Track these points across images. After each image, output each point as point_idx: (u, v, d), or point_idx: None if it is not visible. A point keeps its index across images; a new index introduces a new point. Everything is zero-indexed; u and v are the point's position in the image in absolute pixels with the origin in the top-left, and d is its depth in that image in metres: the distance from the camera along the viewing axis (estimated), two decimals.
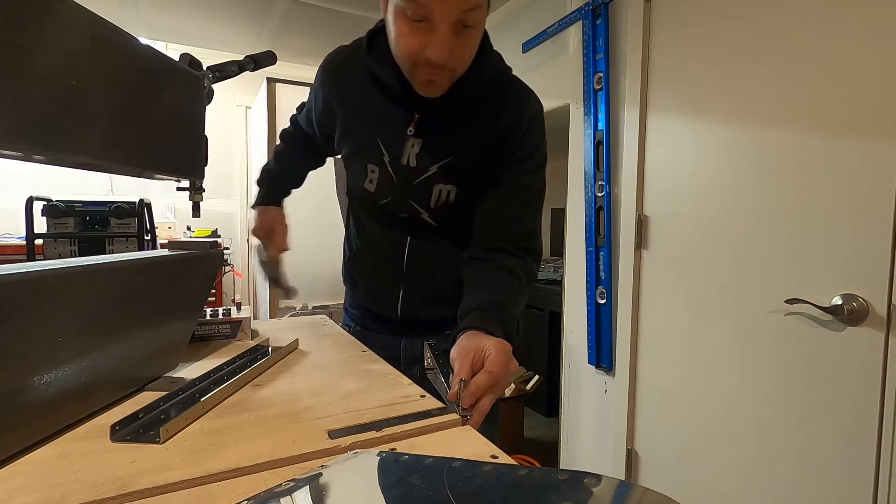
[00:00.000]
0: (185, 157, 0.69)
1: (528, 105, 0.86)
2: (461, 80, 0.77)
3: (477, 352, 0.62)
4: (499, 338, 0.66)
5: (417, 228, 0.89)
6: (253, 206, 1.04)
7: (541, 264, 0.91)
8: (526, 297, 0.82)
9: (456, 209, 0.86)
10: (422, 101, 0.79)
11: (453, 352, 0.65)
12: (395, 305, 0.92)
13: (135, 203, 2.52)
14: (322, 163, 1.15)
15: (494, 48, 0.84)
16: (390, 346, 0.93)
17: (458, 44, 0.69)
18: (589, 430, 1.93)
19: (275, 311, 2.76)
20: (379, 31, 0.83)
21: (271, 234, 0.99)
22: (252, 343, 0.82)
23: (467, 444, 0.49)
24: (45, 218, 2.37)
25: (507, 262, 0.81)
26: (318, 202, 2.68)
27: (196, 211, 0.77)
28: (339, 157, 0.96)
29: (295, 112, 1.09)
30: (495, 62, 0.85)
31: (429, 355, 0.73)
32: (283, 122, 1.12)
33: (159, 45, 3.05)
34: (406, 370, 0.86)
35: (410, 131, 0.83)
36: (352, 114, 0.87)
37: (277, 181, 1.09)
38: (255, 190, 1.08)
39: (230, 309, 0.89)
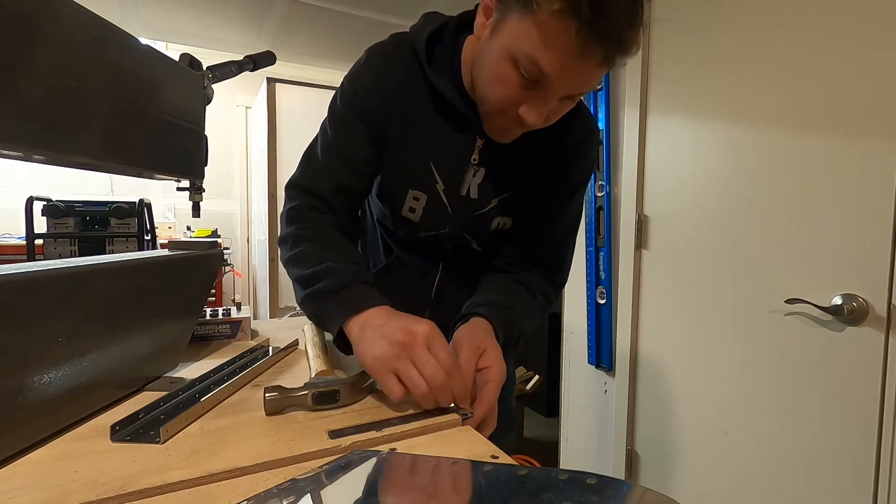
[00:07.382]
0: (185, 157, 0.69)
1: (592, 129, 0.79)
2: None
3: (477, 349, 0.62)
4: (496, 342, 0.65)
5: (454, 257, 0.83)
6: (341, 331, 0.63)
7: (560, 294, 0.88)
8: (537, 317, 0.79)
9: (504, 236, 0.81)
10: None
11: (458, 335, 0.65)
12: None
13: (135, 203, 2.52)
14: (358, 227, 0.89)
15: None
16: None
17: (557, 110, 0.62)
18: (589, 430, 1.93)
19: (275, 311, 2.76)
20: (435, 37, 0.72)
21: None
22: (252, 343, 0.82)
23: (467, 444, 0.49)
24: (45, 218, 2.38)
25: (526, 279, 0.78)
26: None
27: (196, 211, 0.77)
28: None
29: (292, 204, 0.76)
30: None
31: None
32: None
33: (159, 45, 3.05)
34: None
35: (475, 160, 0.74)
36: (397, 129, 0.74)
37: (348, 263, 0.69)
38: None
39: (230, 309, 0.89)
